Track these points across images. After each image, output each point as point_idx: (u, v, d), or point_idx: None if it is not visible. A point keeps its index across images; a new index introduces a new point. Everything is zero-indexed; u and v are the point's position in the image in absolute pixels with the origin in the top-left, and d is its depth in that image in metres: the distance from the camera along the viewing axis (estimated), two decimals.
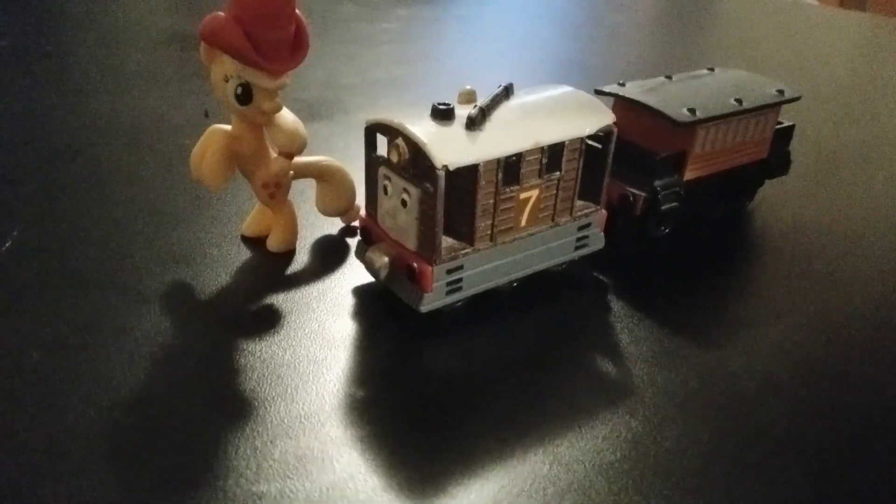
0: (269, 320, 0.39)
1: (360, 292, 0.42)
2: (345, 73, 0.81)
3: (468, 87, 0.39)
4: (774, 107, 0.50)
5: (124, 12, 1.06)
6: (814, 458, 0.32)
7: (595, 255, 0.44)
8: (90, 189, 0.52)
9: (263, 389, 0.34)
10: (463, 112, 0.37)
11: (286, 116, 0.42)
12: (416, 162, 0.36)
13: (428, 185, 0.36)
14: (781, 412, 0.35)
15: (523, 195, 0.39)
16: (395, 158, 0.37)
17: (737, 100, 0.47)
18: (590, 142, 0.41)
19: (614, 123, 0.41)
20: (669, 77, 0.51)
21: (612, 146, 0.41)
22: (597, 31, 1.12)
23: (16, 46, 0.85)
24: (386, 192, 0.39)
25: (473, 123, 0.36)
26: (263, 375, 0.35)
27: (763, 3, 1.39)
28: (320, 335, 0.38)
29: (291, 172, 0.43)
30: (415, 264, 0.37)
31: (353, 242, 0.47)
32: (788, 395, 0.36)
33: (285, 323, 0.39)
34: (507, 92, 0.40)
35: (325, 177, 0.46)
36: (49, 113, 0.66)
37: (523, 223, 0.40)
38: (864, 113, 0.79)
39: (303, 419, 0.32)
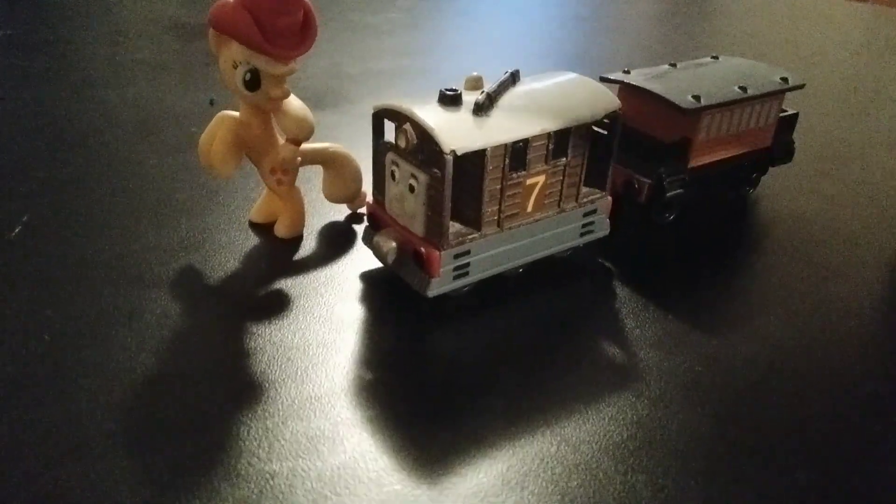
0: (279, 305, 0.39)
1: (368, 277, 0.42)
2: (349, 63, 0.81)
3: (475, 73, 0.40)
4: (778, 94, 0.50)
5: (127, 2, 1.06)
6: (816, 442, 0.32)
7: (600, 241, 0.44)
8: (99, 177, 0.52)
9: (274, 372, 0.34)
10: (470, 98, 0.37)
11: (294, 103, 0.42)
12: (424, 147, 0.36)
13: (436, 171, 0.36)
14: (784, 396, 0.35)
15: (530, 181, 0.39)
16: (402, 144, 0.37)
17: (741, 87, 0.47)
18: (595, 128, 0.41)
19: (620, 109, 0.41)
20: (674, 65, 0.51)
21: (618, 132, 0.41)
22: (601, 21, 1.12)
23: (22, 37, 0.85)
24: (394, 178, 0.39)
25: (481, 109, 0.36)
26: (274, 358, 0.35)
27: None
28: (329, 319, 0.38)
29: (299, 159, 0.43)
30: (422, 249, 0.38)
31: (359, 229, 0.47)
32: (791, 381, 0.36)
33: (294, 307, 0.39)
34: (514, 78, 0.40)
35: (332, 163, 0.46)
36: (56, 102, 0.66)
37: (529, 209, 0.40)
38: (867, 103, 0.79)
39: (313, 400, 0.33)
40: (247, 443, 0.30)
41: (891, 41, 1.11)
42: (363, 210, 0.48)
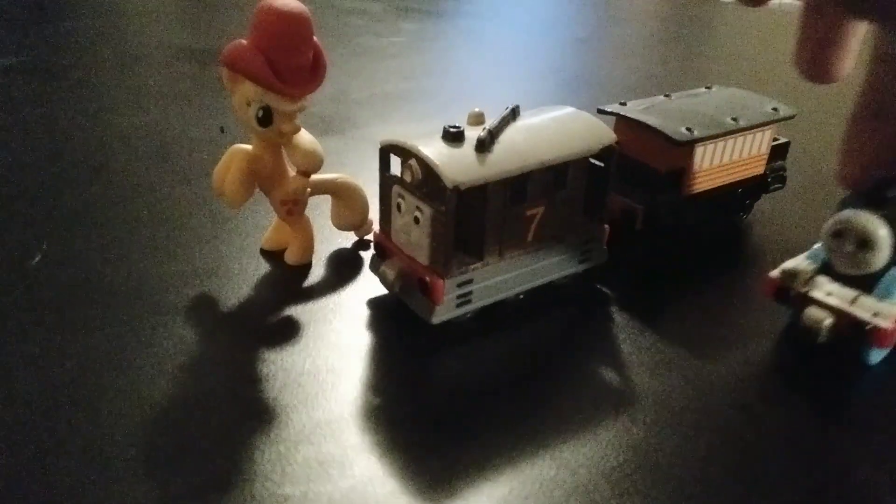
0: (289, 331, 0.41)
1: (375, 304, 0.44)
2: (355, 88, 0.84)
3: (477, 109, 0.41)
4: (770, 125, 0.52)
5: (138, 29, 1.08)
6: (809, 464, 0.34)
7: (598, 267, 0.46)
8: (114, 204, 0.54)
9: (285, 397, 0.36)
10: (472, 133, 0.39)
11: (304, 137, 0.44)
12: (429, 182, 0.38)
13: (440, 204, 0.38)
14: (777, 419, 0.36)
15: (530, 212, 0.41)
16: (408, 178, 0.39)
17: (733, 118, 0.49)
18: (593, 160, 0.43)
19: (616, 143, 0.43)
20: (668, 96, 0.53)
21: (614, 164, 0.43)
22: (600, 45, 1.14)
23: (36, 63, 0.87)
24: (399, 210, 0.41)
25: (483, 146, 0.38)
26: (285, 384, 0.37)
27: (764, 15, 1.41)
28: (337, 345, 0.40)
29: (309, 190, 0.45)
30: (427, 278, 0.39)
31: (366, 255, 0.49)
32: (784, 403, 0.37)
33: (304, 334, 0.41)
34: (514, 114, 0.42)
35: (340, 193, 0.48)
36: (71, 130, 0.68)
37: (530, 238, 0.42)
38: None
39: (323, 426, 0.34)
40: (261, 467, 0.32)
41: None
42: (370, 237, 0.50)
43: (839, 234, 0.38)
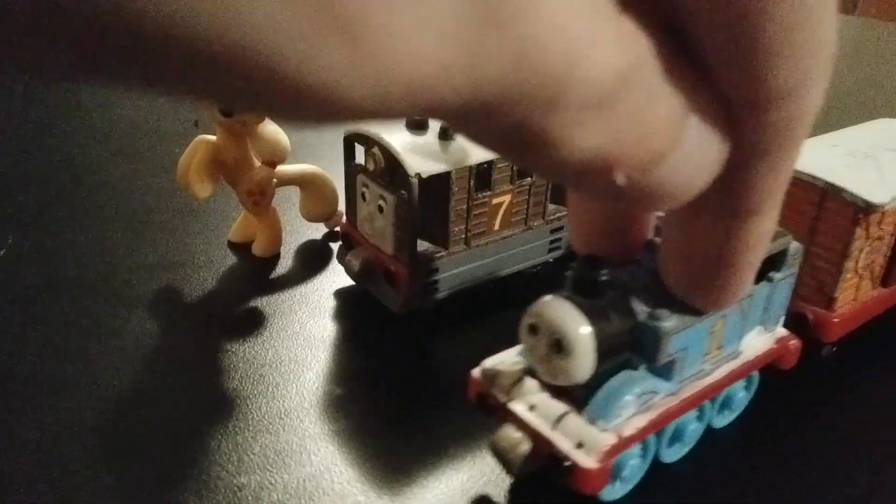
0: (253, 322, 0.41)
1: (341, 295, 0.43)
2: None
3: None
4: None
5: None
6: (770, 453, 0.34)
7: (567, 256, 0.46)
8: (82, 196, 0.54)
9: (246, 388, 0.35)
10: (436, 123, 0.39)
11: (269, 127, 0.43)
12: (392, 170, 0.38)
13: (402, 192, 0.37)
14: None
15: (496, 200, 0.41)
16: (371, 167, 0.39)
17: None
18: None
19: None
20: None
21: None
22: None
23: None
24: (364, 199, 0.40)
25: (446, 134, 0.38)
26: (246, 374, 0.36)
27: None
28: (301, 336, 0.40)
29: (275, 180, 0.45)
30: (392, 267, 0.39)
31: (335, 246, 0.49)
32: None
33: (268, 325, 0.40)
34: None
35: (309, 184, 0.48)
36: (42, 122, 0.68)
37: (497, 227, 0.42)
38: (853, 119, 0.81)
39: (282, 415, 0.34)
40: (217, 457, 0.31)
41: (879, 54, 1.12)
42: (338, 228, 0.49)
43: (534, 329, 0.27)
